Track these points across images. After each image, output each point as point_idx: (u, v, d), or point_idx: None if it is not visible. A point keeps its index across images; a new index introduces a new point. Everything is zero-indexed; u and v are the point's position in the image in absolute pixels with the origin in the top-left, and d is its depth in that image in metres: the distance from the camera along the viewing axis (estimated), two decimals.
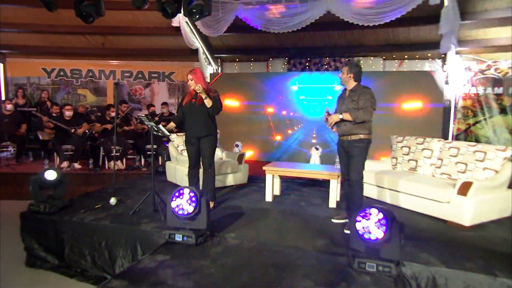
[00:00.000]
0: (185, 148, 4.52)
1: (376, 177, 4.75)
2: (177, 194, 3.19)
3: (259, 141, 8.71)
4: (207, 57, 8.85)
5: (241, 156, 5.59)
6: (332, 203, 4.53)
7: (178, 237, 3.26)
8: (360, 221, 2.72)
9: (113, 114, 7.23)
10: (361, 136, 3.69)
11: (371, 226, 2.66)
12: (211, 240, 3.38)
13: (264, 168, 4.76)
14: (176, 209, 3.20)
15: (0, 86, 9.22)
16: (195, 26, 7.36)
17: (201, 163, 4.30)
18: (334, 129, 3.89)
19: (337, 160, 4.70)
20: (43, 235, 3.89)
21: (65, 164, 7.09)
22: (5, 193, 6.19)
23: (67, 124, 7.20)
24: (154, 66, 9.83)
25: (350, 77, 3.73)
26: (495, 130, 7.31)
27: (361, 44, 7.90)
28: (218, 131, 6.17)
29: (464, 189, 3.75)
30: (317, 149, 6.28)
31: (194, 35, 7.79)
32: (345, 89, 3.86)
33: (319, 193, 5.17)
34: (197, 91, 3.97)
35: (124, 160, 7.39)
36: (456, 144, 4.45)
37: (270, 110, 8.67)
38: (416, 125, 7.50)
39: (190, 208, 3.18)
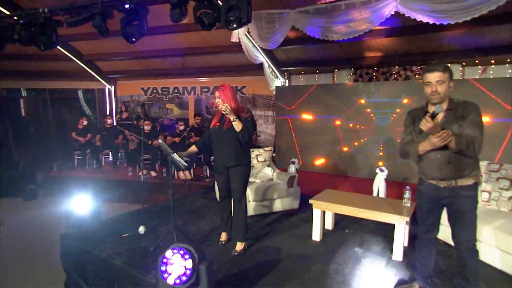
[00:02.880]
0: None
1: None
2: (163, 266, 1.95)
3: (322, 152, 6.99)
4: (273, 70, 7.54)
5: (291, 179, 4.13)
6: (398, 255, 2.84)
7: None
8: None
9: (181, 128, 6.43)
10: (475, 179, 2.01)
11: None
12: None
13: (311, 201, 3.25)
14: (171, 280, 1.97)
15: (112, 102, 9.32)
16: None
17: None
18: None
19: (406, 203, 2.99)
20: (80, 263, 3.05)
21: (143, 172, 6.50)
22: None
23: (147, 136, 6.61)
24: (228, 81, 8.80)
25: (451, 87, 2.01)
26: None
27: (436, 51, 5.67)
28: (271, 148, 4.87)
29: None
30: (381, 171, 4.31)
31: (257, 49, 6.53)
32: (425, 108, 2.07)
33: (383, 231, 3.44)
34: (223, 111, 2.75)
35: (192, 170, 6.54)
36: None
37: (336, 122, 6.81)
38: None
39: (188, 264, 1.94)
